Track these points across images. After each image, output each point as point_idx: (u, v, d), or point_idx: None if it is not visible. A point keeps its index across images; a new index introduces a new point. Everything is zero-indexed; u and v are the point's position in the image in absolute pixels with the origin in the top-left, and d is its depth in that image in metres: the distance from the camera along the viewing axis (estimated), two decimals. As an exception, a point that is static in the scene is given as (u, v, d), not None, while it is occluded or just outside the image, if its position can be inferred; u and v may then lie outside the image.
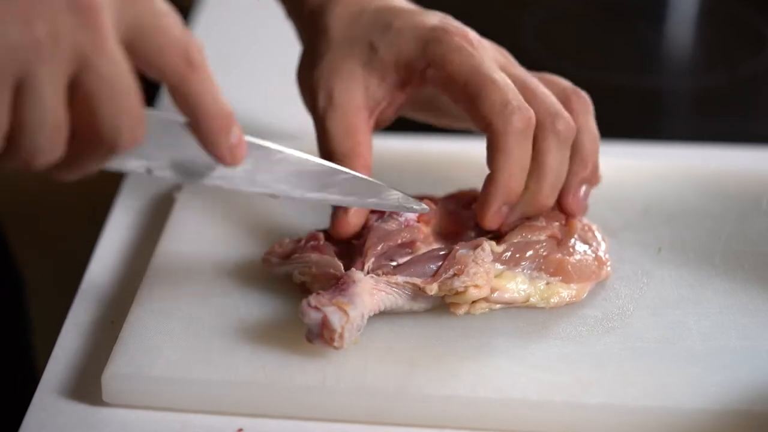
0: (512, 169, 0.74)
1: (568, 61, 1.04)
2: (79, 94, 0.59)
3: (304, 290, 0.74)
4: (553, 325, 0.73)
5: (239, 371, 0.69)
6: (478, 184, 0.83)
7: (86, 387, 0.71)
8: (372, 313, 0.71)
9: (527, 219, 0.76)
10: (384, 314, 0.72)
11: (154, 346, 0.71)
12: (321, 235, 0.76)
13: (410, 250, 0.74)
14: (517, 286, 0.74)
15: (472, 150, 0.85)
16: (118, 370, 0.69)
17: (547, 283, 0.74)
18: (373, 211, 0.77)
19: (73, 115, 0.60)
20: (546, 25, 1.18)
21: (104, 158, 0.62)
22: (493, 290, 0.73)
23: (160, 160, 0.66)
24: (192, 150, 0.66)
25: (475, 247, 0.73)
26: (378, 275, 0.72)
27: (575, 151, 0.77)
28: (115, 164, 0.65)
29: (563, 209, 0.78)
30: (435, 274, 0.72)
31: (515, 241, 0.75)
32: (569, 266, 0.75)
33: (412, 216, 0.76)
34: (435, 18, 0.79)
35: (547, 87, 0.78)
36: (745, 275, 0.78)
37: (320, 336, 0.69)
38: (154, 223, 0.85)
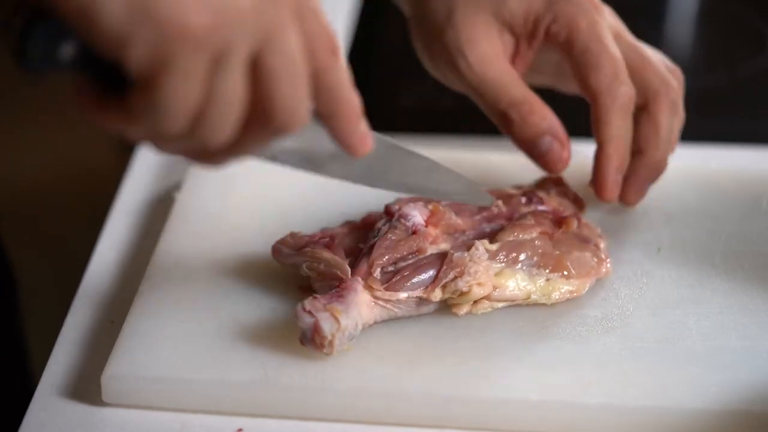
0: (618, 139, 0.78)
1: (568, 61, 1.04)
2: (259, 73, 0.58)
3: (303, 291, 0.74)
4: (553, 325, 0.73)
5: (239, 371, 0.69)
6: (483, 183, 0.83)
7: (86, 387, 0.71)
8: (368, 324, 0.71)
9: (516, 219, 0.76)
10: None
11: (153, 346, 0.71)
12: (335, 233, 0.76)
13: (416, 255, 0.74)
14: (517, 283, 0.74)
15: (478, 149, 0.85)
16: (118, 370, 0.69)
17: (547, 280, 0.74)
18: (390, 212, 0.77)
19: (250, 95, 0.59)
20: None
21: (268, 141, 0.61)
22: (494, 288, 0.73)
23: (286, 147, 0.66)
24: (318, 140, 0.65)
25: (469, 248, 0.73)
26: (379, 292, 0.72)
27: None
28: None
29: (624, 196, 0.81)
30: (435, 280, 0.72)
31: (508, 240, 0.75)
32: (568, 262, 0.75)
33: (420, 220, 0.76)
34: None
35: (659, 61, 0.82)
36: (745, 275, 0.78)
37: (311, 340, 0.69)
38: (154, 223, 0.85)
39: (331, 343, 0.68)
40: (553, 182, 0.81)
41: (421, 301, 0.72)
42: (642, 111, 0.80)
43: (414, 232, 0.75)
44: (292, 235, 0.76)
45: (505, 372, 0.69)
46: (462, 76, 0.80)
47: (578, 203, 0.81)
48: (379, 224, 0.76)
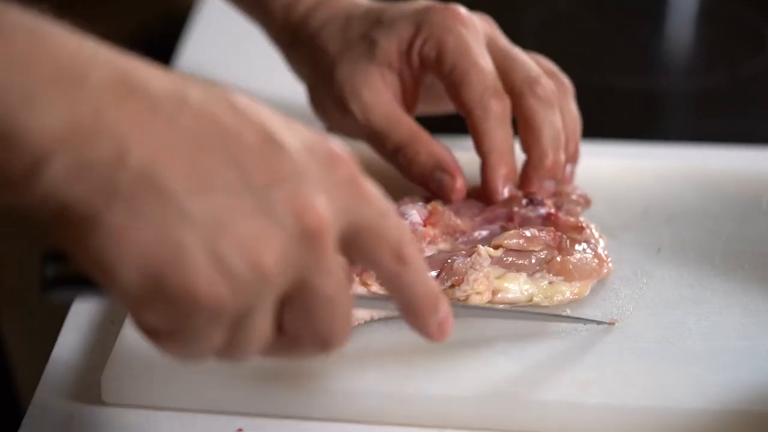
0: (499, 149, 0.78)
1: (568, 61, 1.03)
2: (293, 309, 0.55)
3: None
4: (552, 325, 0.73)
5: (239, 371, 0.69)
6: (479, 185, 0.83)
7: (86, 387, 0.71)
8: (363, 321, 0.71)
9: (522, 228, 0.76)
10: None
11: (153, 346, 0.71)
12: None
13: None
14: (519, 286, 0.74)
15: (471, 150, 0.85)
16: (118, 370, 0.69)
17: (550, 282, 0.74)
18: None
19: (285, 323, 0.56)
20: (546, 25, 1.18)
21: (311, 355, 0.59)
22: (495, 292, 0.73)
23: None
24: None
25: (470, 253, 0.73)
26: (375, 287, 0.71)
27: None
28: None
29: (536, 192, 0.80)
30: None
31: (514, 249, 0.74)
32: (570, 265, 0.75)
33: (417, 219, 0.76)
34: (422, 1, 0.82)
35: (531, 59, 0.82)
36: (745, 275, 0.78)
37: None
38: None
39: None
40: (556, 189, 0.81)
41: None
42: (517, 114, 0.80)
43: (412, 232, 0.75)
44: None
45: (505, 372, 0.69)
46: (352, 127, 0.81)
47: (584, 203, 0.80)
48: None
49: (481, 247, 0.74)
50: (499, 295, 0.73)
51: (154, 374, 0.69)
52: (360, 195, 0.56)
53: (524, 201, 0.79)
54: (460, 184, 0.79)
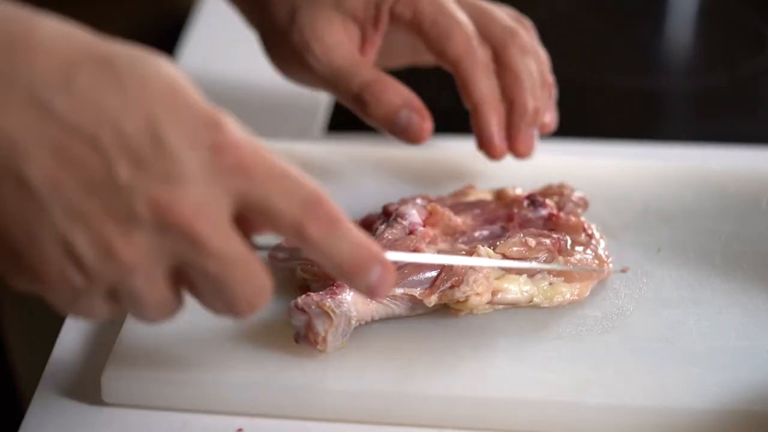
0: (489, 97, 0.81)
1: (568, 61, 1.03)
2: (186, 282, 0.58)
3: (303, 291, 0.74)
4: (552, 324, 0.73)
5: (239, 371, 0.69)
6: (479, 185, 0.83)
7: (86, 387, 0.71)
8: (364, 322, 0.71)
9: (523, 230, 0.76)
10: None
11: (153, 346, 0.71)
12: None
13: None
14: (519, 287, 0.74)
15: (471, 150, 0.85)
16: (118, 370, 0.69)
17: (550, 283, 0.74)
18: (388, 212, 0.77)
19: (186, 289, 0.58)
20: (546, 25, 1.18)
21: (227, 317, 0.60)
22: (495, 292, 0.73)
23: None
24: None
25: (470, 253, 0.73)
26: None
27: None
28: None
29: (513, 148, 0.82)
30: (432, 285, 0.72)
31: (514, 255, 0.74)
32: (571, 266, 0.75)
33: (417, 219, 0.76)
34: None
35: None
36: (744, 275, 0.78)
37: (305, 338, 0.69)
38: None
39: (324, 339, 0.68)
40: (556, 191, 0.81)
41: (416, 301, 0.72)
42: (498, 64, 0.82)
43: (411, 232, 0.75)
44: (287, 240, 0.76)
45: (505, 372, 0.69)
46: (312, 71, 0.82)
47: (582, 205, 0.81)
48: (377, 224, 0.76)
49: (481, 247, 0.74)
50: (499, 296, 0.73)
51: (154, 374, 0.69)
52: (249, 176, 0.56)
53: (525, 202, 0.79)
54: (428, 125, 0.80)
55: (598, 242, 0.77)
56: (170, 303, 0.58)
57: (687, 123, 0.87)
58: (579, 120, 0.99)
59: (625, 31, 1.22)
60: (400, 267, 0.73)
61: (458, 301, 0.72)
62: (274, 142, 0.91)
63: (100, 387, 0.69)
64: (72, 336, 0.75)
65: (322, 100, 1.01)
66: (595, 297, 0.75)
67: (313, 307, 0.69)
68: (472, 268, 0.72)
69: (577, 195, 0.81)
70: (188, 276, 0.57)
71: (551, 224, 0.78)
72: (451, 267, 0.72)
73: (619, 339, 0.72)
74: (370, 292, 0.60)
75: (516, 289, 0.73)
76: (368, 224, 0.77)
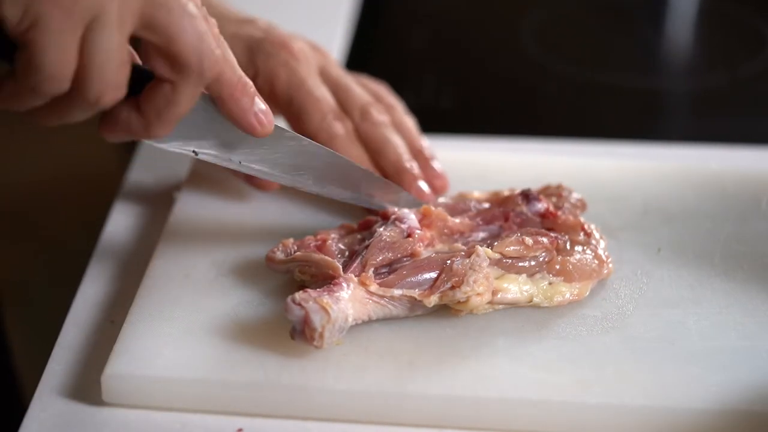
0: (358, 161, 0.82)
1: (568, 61, 1.04)
2: (151, 28, 0.63)
3: (303, 291, 0.74)
4: (552, 325, 0.73)
5: (239, 371, 0.69)
6: (478, 185, 0.83)
7: (86, 387, 0.71)
8: (360, 321, 0.71)
9: (522, 229, 0.76)
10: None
11: (153, 346, 0.71)
12: (327, 237, 0.76)
13: (410, 258, 0.74)
14: (519, 287, 0.74)
15: (478, 149, 0.85)
16: (118, 370, 0.69)
17: (550, 283, 0.74)
18: (376, 212, 0.77)
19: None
20: (546, 25, 1.18)
21: (185, 97, 0.66)
22: (495, 292, 0.73)
23: (202, 141, 0.71)
24: (230, 131, 0.71)
25: (469, 255, 0.73)
26: (374, 287, 0.72)
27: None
28: (164, 145, 0.70)
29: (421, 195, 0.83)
30: (432, 286, 0.72)
31: (512, 254, 0.74)
32: (570, 266, 0.75)
33: (416, 223, 0.76)
34: (260, 29, 0.85)
35: (361, 87, 0.86)
36: (744, 275, 0.78)
37: (302, 333, 0.69)
38: (154, 223, 0.85)
39: (321, 335, 0.69)
40: (554, 191, 0.81)
41: (416, 302, 0.72)
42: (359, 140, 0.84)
43: (409, 235, 0.75)
44: (284, 243, 0.76)
45: (505, 372, 0.69)
46: None
47: (580, 206, 0.81)
48: (376, 226, 0.76)
49: (479, 248, 0.74)
50: (499, 296, 0.73)
51: (154, 374, 0.69)
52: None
53: (519, 199, 0.79)
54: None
55: (597, 242, 0.77)
56: (127, 54, 0.64)
57: (687, 123, 0.87)
58: (579, 120, 1.00)
59: (625, 31, 1.22)
60: (399, 269, 0.73)
61: (459, 302, 0.72)
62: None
63: (100, 387, 0.69)
64: (72, 336, 0.75)
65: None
66: (595, 297, 0.75)
67: (310, 302, 0.69)
68: (471, 268, 0.72)
69: (575, 196, 0.81)
70: (155, 16, 0.64)
71: (549, 223, 0.78)
72: (451, 268, 0.72)
73: (619, 339, 0.72)
74: (259, 119, 0.69)
75: (516, 288, 0.74)
76: (366, 226, 0.77)
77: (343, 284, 0.71)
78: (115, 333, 0.73)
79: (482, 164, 0.86)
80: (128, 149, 0.95)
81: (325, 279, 0.73)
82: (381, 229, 0.75)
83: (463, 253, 0.74)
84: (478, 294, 0.72)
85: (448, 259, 0.73)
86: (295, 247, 0.76)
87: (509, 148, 0.93)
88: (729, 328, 0.73)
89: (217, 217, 0.83)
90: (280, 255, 0.75)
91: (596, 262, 0.76)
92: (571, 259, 0.75)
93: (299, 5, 1.17)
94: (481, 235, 0.77)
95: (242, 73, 0.68)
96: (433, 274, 0.73)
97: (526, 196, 0.79)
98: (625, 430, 0.68)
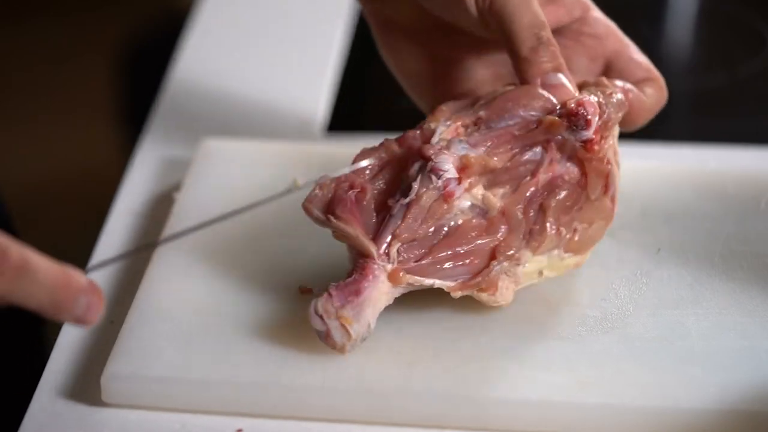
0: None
1: (567, 61, 1.03)
2: None
3: (303, 291, 0.75)
4: (552, 325, 0.73)
5: (239, 371, 0.69)
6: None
7: (86, 387, 0.71)
8: (384, 307, 0.71)
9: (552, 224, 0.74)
10: (384, 314, 0.72)
11: (153, 346, 0.71)
12: (366, 184, 0.73)
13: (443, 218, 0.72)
14: (536, 265, 0.74)
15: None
16: (117, 371, 0.69)
17: (561, 259, 0.74)
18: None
19: None
20: (546, 25, 1.18)
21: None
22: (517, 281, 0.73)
23: None
24: None
25: (509, 260, 0.72)
26: (407, 276, 0.71)
27: None
28: None
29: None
30: (464, 284, 0.71)
31: (546, 247, 0.74)
32: (582, 238, 0.75)
33: (453, 174, 0.72)
34: None
35: None
36: (744, 275, 0.78)
37: (325, 341, 0.69)
38: (154, 223, 0.85)
39: (343, 347, 0.69)
40: (595, 84, 0.77)
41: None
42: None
43: (445, 194, 0.72)
44: (321, 185, 0.73)
45: (505, 372, 0.69)
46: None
47: (623, 108, 0.77)
48: (412, 171, 0.72)
49: (520, 254, 0.72)
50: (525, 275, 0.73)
51: (154, 374, 0.69)
52: None
53: (565, 123, 0.73)
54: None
55: (615, 188, 0.75)
56: None
57: (687, 123, 0.87)
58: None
59: (625, 31, 1.22)
60: (433, 249, 0.71)
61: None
62: (275, 142, 0.91)
63: (100, 387, 0.69)
64: (72, 336, 0.75)
65: (322, 100, 1.01)
66: (595, 297, 0.75)
67: (332, 319, 0.68)
68: (506, 273, 0.72)
69: (618, 97, 0.76)
70: None
71: (586, 153, 0.74)
72: (488, 275, 0.72)
73: (619, 339, 0.72)
74: (80, 322, 0.60)
75: (533, 267, 0.73)
76: (406, 144, 0.74)
77: (372, 281, 0.70)
78: (115, 333, 0.73)
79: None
80: (128, 149, 0.95)
81: (356, 251, 0.72)
82: (416, 184, 0.72)
83: (502, 254, 0.72)
84: (502, 303, 0.72)
85: (486, 247, 0.72)
86: (331, 190, 0.73)
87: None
88: (729, 328, 0.73)
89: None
90: (317, 212, 0.73)
91: (611, 205, 0.75)
92: (588, 230, 0.75)
93: (299, 5, 1.17)
94: (527, 166, 0.73)
95: (68, 274, 0.59)
96: (468, 270, 0.72)
97: (576, 115, 0.73)
98: (625, 430, 0.68)
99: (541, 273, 0.74)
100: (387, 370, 0.69)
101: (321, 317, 0.68)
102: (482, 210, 0.73)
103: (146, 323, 0.73)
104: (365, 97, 1.06)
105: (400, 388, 0.68)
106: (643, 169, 0.88)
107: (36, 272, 0.57)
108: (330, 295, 0.69)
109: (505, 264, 0.72)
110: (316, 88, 1.02)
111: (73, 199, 2.05)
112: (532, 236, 0.73)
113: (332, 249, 0.76)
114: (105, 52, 2.12)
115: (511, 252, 0.72)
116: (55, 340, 0.75)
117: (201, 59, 1.08)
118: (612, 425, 0.68)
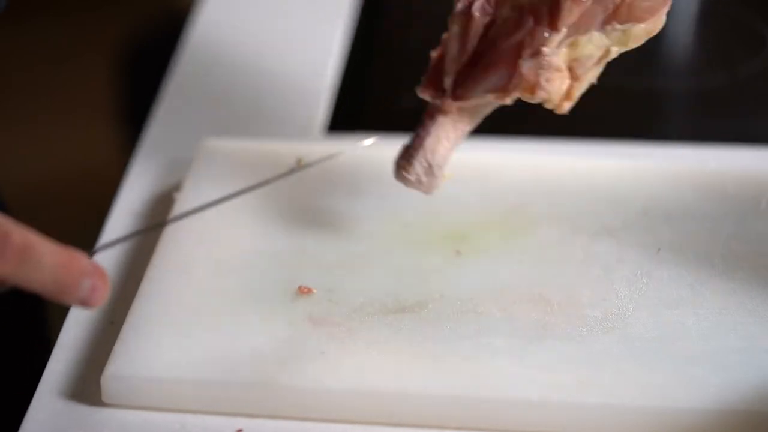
0: None
1: (567, 61, 1.04)
2: None
3: (303, 291, 0.74)
4: (552, 325, 0.73)
5: (239, 371, 0.69)
6: (478, 185, 0.83)
7: (86, 387, 0.71)
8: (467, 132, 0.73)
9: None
10: (383, 312, 0.72)
11: (153, 346, 0.71)
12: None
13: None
14: (595, 45, 0.72)
15: (478, 149, 0.85)
16: (118, 371, 0.69)
17: (623, 31, 0.73)
18: None
19: None
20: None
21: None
22: (574, 65, 0.72)
23: None
24: None
25: (534, 55, 0.70)
26: (457, 104, 0.71)
27: None
28: None
29: None
30: (505, 89, 0.71)
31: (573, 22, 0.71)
32: (635, 4, 0.73)
33: None
34: None
35: None
36: (744, 275, 0.78)
37: (417, 187, 0.74)
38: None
39: (430, 185, 0.73)
40: None
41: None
42: None
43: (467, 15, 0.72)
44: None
45: (505, 372, 0.69)
46: None
47: None
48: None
49: (544, 48, 0.70)
50: (578, 65, 0.72)
51: (154, 374, 0.69)
52: None
53: None
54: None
55: None
56: None
57: (687, 123, 0.87)
58: (579, 120, 0.99)
59: (624, 31, 1.22)
60: (468, 71, 0.72)
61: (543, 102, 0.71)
62: (275, 142, 0.91)
63: (100, 387, 0.69)
64: (72, 336, 0.75)
65: (322, 100, 1.01)
66: (596, 297, 0.75)
67: (410, 172, 0.73)
68: (541, 68, 0.70)
69: None
70: None
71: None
72: (520, 73, 0.70)
73: (619, 339, 0.72)
74: (84, 304, 0.59)
75: (592, 47, 0.72)
76: None
77: (433, 126, 0.72)
78: (115, 333, 0.73)
79: (482, 164, 0.86)
80: (128, 149, 0.95)
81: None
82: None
83: (523, 49, 0.71)
84: (556, 90, 0.71)
85: (512, 47, 0.71)
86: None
87: (509, 148, 0.93)
88: (729, 329, 0.73)
89: (217, 217, 0.83)
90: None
91: None
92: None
93: (299, 5, 1.17)
94: None
95: (72, 256, 0.60)
96: (502, 73, 0.71)
97: None
98: (625, 430, 0.68)
99: (607, 52, 0.72)
100: (386, 370, 0.69)
101: (404, 174, 0.73)
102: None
103: (146, 323, 0.73)
104: (365, 97, 1.06)
105: (400, 388, 0.68)
106: (643, 169, 0.88)
107: (40, 254, 0.58)
108: (404, 149, 0.73)
109: (532, 59, 0.70)
110: (316, 88, 1.02)
111: (73, 199, 2.05)
112: (551, 15, 0.71)
113: (332, 248, 0.76)
114: (105, 52, 2.12)
115: (534, 43, 0.71)
116: (55, 340, 0.75)
117: (201, 59, 1.08)
118: (612, 425, 0.68)
